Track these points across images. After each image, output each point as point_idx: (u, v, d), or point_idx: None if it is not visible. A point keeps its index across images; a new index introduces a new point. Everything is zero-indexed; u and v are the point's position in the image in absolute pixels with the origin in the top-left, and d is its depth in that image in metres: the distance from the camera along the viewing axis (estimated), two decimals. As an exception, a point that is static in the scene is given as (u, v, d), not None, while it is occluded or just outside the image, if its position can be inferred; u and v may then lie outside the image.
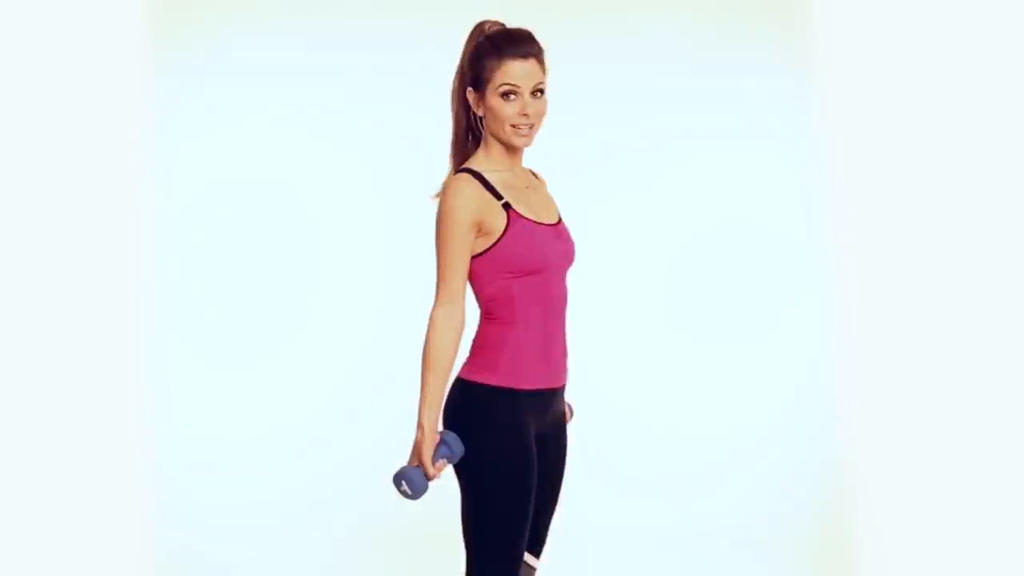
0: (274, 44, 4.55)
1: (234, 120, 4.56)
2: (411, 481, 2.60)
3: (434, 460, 2.59)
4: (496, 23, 2.68)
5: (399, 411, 4.49)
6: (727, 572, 4.35)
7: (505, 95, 2.60)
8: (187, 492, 4.50)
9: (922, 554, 4.24)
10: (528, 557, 2.75)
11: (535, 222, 2.65)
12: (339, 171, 4.61)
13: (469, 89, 2.66)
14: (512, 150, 2.68)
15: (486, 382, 2.62)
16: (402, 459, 4.50)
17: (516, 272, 2.62)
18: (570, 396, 2.88)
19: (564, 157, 3.95)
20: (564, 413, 2.80)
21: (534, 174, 2.82)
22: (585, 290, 3.26)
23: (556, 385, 2.72)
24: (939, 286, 4.34)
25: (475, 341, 2.69)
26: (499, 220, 2.60)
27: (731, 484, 4.65)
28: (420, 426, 2.58)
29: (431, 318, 2.59)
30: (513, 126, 2.61)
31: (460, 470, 2.65)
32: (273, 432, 4.60)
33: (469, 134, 2.71)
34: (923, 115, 4.36)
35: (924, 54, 4.35)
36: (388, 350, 4.58)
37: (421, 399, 2.58)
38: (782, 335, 4.70)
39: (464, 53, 2.67)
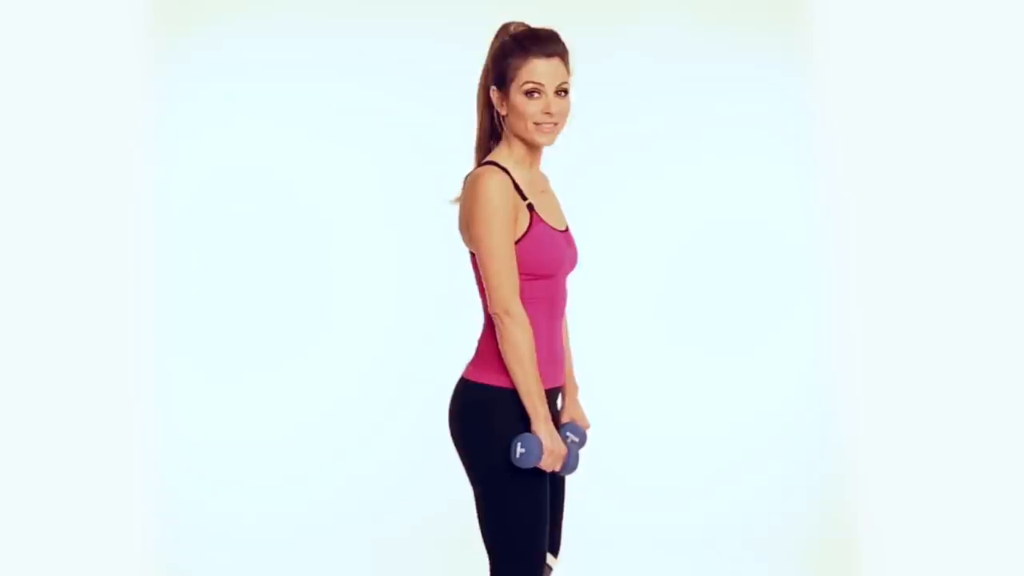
0: (274, 43, 4.53)
1: (234, 119, 4.53)
2: (529, 446, 2.57)
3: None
4: (521, 24, 2.67)
5: (405, 415, 4.52)
6: (729, 573, 4.35)
7: (529, 93, 2.59)
8: (188, 498, 4.47)
9: (922, 555, 4.26)
10: (547, 556, 2.74)
11: (552, 227, 2.65)
12: (341, 169, 4.59)
13: (493, 88, 2.65)
14: (533, 151, 2.67)
15: (496, 384, 2.61)
16: (409, 464, 4.50)
17: (530, 275, 2.61)
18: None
19: (562, 155, 3.94)
20: (560, 411, 2.80)
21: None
22: (584, 291, 3.26)
23: (558, 384, 2.73)
24: (940, 287, 4.35)
25: (482, 342, 2.68)
26: (523, 220, 2.59)
27: (732, 486, 4.65)
28: (546, 418, 2.57)
29: (504, 337, 2.55)
30: (536, 124, 2.60)
31: (474, 474, 2.64)
32: (276, 438, 4.57)
33: (491, 135, 2.70)
34: (923, 115, 4.37)
35: (924, 54, 4.37)
36: (393, 352, 4.59)
37: (531, 397, 2.56)
38: (782, 336, 4.69)
39: (489, 52, 2.67)
